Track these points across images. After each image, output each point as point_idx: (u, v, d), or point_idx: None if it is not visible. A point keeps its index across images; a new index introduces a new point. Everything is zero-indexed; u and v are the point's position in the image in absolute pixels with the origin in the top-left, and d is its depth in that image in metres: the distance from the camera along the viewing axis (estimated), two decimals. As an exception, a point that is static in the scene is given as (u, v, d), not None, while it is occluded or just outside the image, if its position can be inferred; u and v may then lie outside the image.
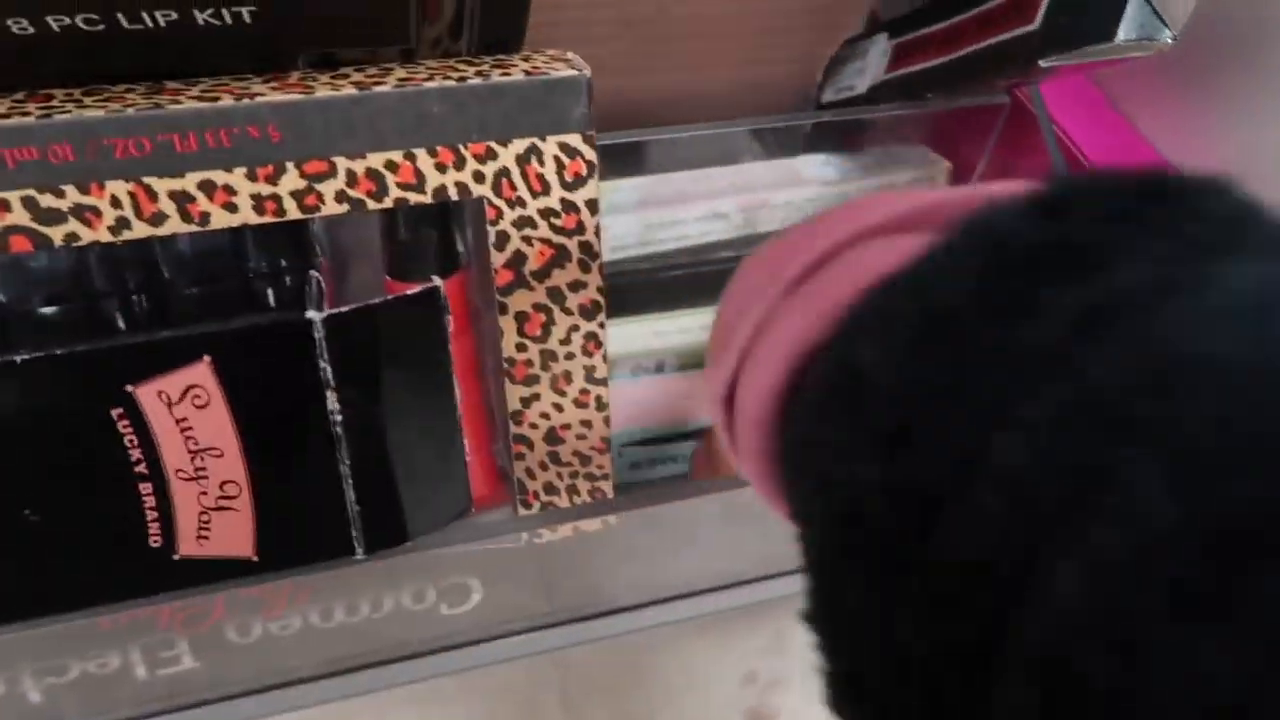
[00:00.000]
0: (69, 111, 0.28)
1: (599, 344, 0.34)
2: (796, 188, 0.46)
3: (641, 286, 0.45)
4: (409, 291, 0.29)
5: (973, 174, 0.48)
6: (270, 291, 0.31)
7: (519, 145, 0.30)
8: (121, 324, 0.30)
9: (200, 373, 0.27)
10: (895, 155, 0.49)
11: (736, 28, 0.43)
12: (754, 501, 0.42)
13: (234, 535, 0.29)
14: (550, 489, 0.36)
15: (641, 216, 0.45)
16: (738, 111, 0.48)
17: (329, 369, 0.28)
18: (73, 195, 0.28)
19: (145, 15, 0.27)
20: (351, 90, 0.28)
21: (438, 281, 0.30)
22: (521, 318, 0.32)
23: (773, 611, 0.70)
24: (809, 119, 0.47)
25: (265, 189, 0.29)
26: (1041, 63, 0.32)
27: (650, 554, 0.41)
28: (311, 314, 0.27)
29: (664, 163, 0.46)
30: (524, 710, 0.63)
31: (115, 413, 0.27)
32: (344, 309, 0.28)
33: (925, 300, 0.16)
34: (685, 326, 0.44)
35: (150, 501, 0.28)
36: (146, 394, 0.27)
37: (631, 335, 0.43)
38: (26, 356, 0.26)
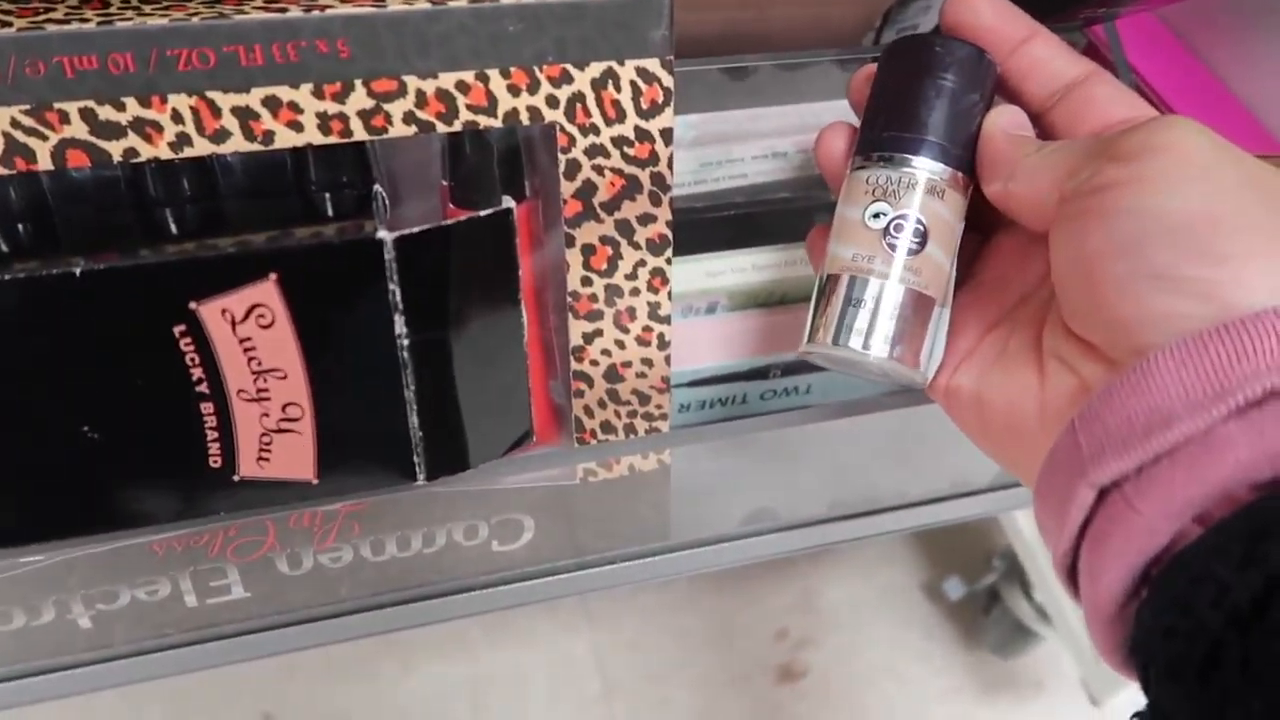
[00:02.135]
0: (129, 19, 0.27)
1: (665, 280, 0.33)
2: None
3: (695, 225, 0.43)
4: (481, 213, 0.28)
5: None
6: (329, 199, 0.30)
7: (596, 69, 0.29)
8: (175, 233, 0.29)
9: (266, 291, 0.26)
10: (957, 97, 0.48)
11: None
12: (807, 440, 0.41)
13: (295, 458, 0.28)
14: (607, 427, 0.35)
15: (697, 153, 0.44)
16: (798, 50, 0.47)
17: (398, 291, 0.27)
18: (133, 108, 0.27)
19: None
20: (425, 5, 0.27)
21: (510, 203, 0.29)
22: (588, 250, 0.32)
23: (800, 569, 0.71)
24: (875, 53, 0.45)
25: (332, 107, 0.28)
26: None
27: (706, 494, 0.40)
28: (382, 234, 0.26)
29: (721, 100, 0.45)
30: (553, 658, 0.64)
31: (177, 330, 0.26)
32: (415, 230, 0.27)
33: None
34: (739, 266, 0.43)
35: (211, 422, 0.27)
36: (210, 312, 0.26)
37: (683, 274, 0.42)
38: (86, 268, 0.25)
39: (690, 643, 0.69)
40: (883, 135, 0.28)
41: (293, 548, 0.34)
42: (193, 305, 0.26)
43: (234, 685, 0.62)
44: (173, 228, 0.29)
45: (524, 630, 0.65)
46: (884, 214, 0.27)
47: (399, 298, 0.27)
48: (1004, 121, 0.27)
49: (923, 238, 0.27)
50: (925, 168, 0.27)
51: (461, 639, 0.63)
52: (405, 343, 0.27)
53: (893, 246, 0.27)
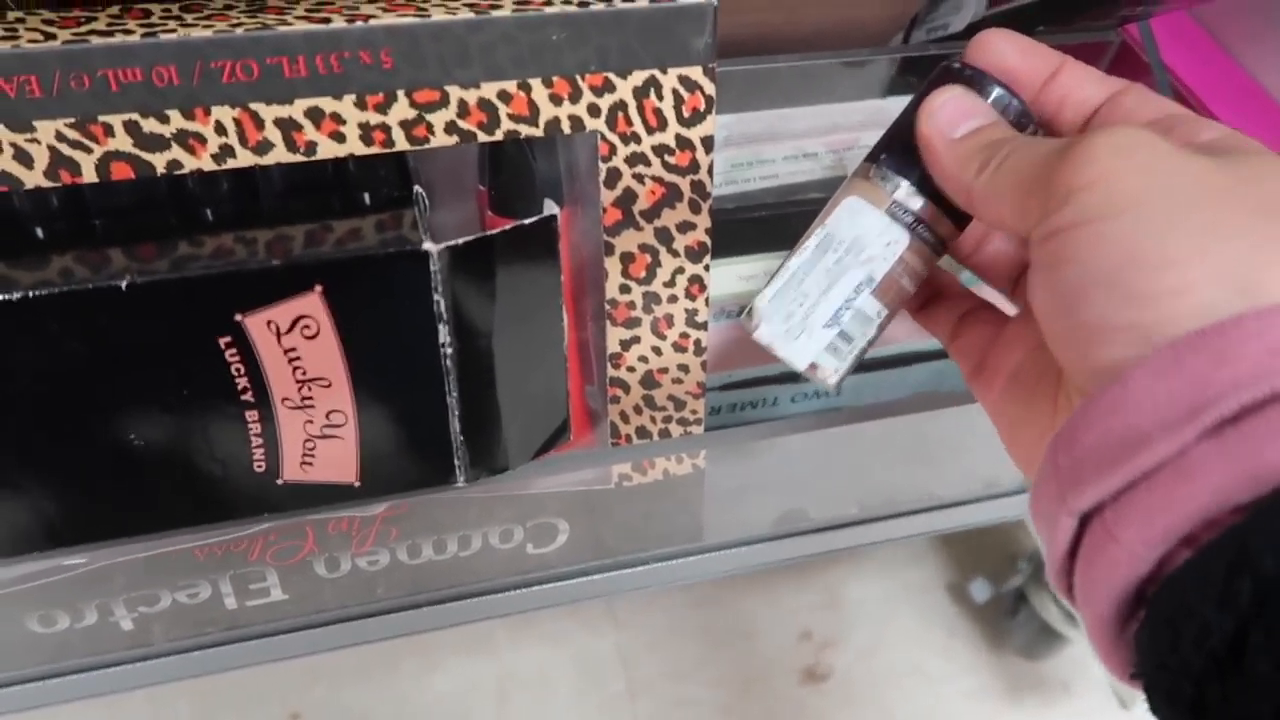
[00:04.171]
0: (173, 31, 0.27)
1: (703, 287, 0.33)
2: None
3: (725, 226, 0.43)
4: (525, 221, 0.28)
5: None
6: (368, 196, 0.30)
7: (638, 77, 0.29)
8: (212, 223, 0.29)
9: (311, 303, 0.26)
10: (989, 98, 0.47)
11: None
12: (837, 443, 0.41)
13: (337, 462, 0.29)
14: (642, 432, 0.35)
15: (727, 155, 0.44)
16: (828, 51, 0.47)
17: (443, 301, 0.27)
18: (177, 120, 0.27)
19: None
20: (468, 14, 0.27)
21: (555, 209, 0.29)
22: (627, 259, 0.31)
23: (824, 568, 0.70)
24: (904, 52, 0.45)
25: (374, 118, 0.28)
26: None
27: (738, 496, 0.40)
28: (428, 246, 0.26)
29: (751, 100, 0.45)
30: (577, 656, 0.64)
31: (222, 341, 0.26)
32: (461, 241, 0.27)
33: None
34: (771, 270, 0.43)
35: (256, 429, 0.28)
36: (255, 324, 0.26)
37: (717, 278, 0.42)
38: (131, 282, 0.25)
39: (714, 642, 0.69)
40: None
41: (331, 552, 0.35)
42: (238, 317, 0.26)
43: (262, 685, 0.62)
44: (210, 218, 0.29)
45: (549, 629, 0.65)
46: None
47: (444, 308, 0.27)
48: (941, 119, 0.25)
49: (823, 241, 0.28)
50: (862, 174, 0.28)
51: (487, 638, 0.63)
52: (449, 351, 0.27)
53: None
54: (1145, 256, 0.20)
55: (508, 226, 0.28)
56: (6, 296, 0.24)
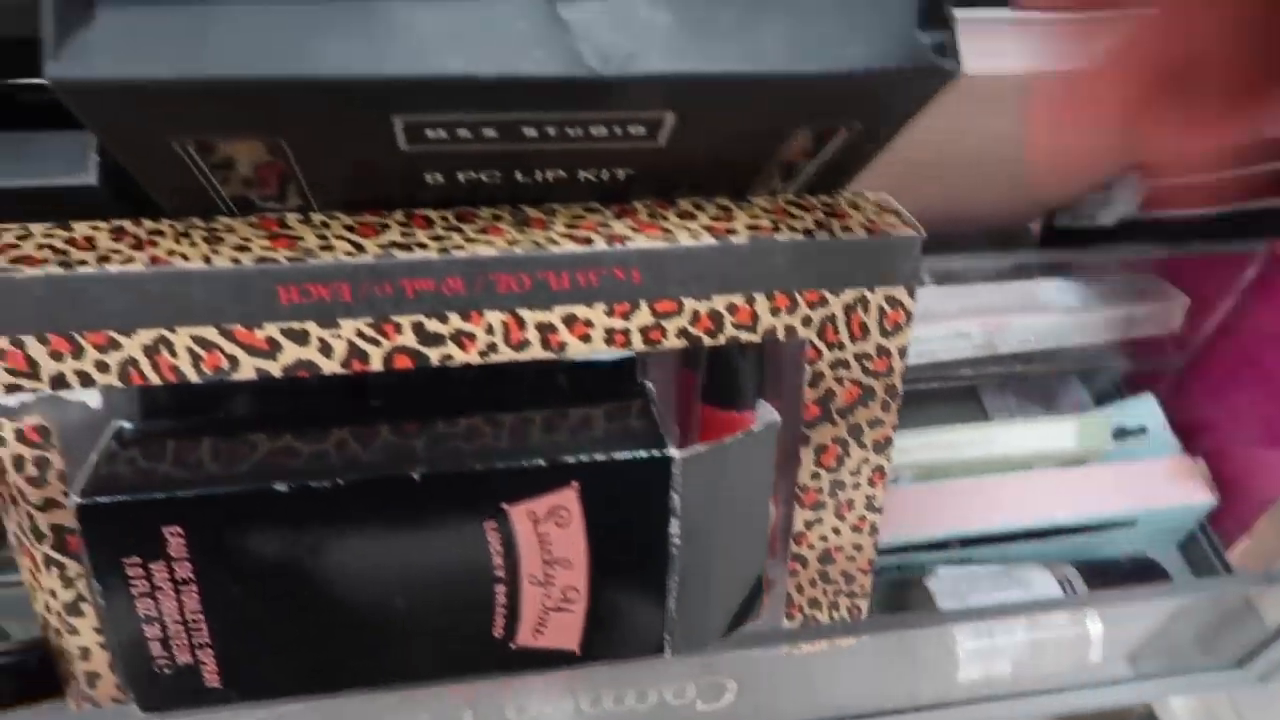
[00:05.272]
0: (460, 245, 0.31)
1: (883, 475, 0.36)
2: (1036, 313, 0.48)
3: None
4: (754, 428, 0.31)
5: (1212, 312, 0.49)
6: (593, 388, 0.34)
7: (849, 295, 0.32)
8: (470, 415, 0.33)
9: (568, 496, 0.29)
10: (1132, 285, 0.50)
11: (992, 170, 0.45)
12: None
13: (565, 632, 0.32)
14: (814, 604, 0.38)
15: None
16: (978, 238, 0.50)
17: (678, 499, 0.30)
18: (455, 322, 0.31)
19: (538, 172, 0.30)
20: (710, 240, 0.31)
21: (776, 417, 0.32)
22: (820, 450, 0.35)
23: None
24: (1061, 257, 0.48)
25: (618, 324, 0.31)
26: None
27: (891, 673, 0.42)
28: (673, 452, 0.29)
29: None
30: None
31: (488, 525, 0.30)
32: (701, 448, 0.30)
33: None
34: (928, 442, 0.45)
35: (501, 600, 0.31)
36: (518, 512, 0.30)
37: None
38: (424, 473, 0.29)
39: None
40: None
41: (522, 699, 0.37)
42: (505, 506, 0.29)
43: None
44: (463, 398, 0.33)
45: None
46: None
47: (678, 504, 0.30)
48: None
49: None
50: None
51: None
52: (677, 541, 0.31)
53: None
54: None
55: (740, 434, 0.31)
56: (319, 484, 0.28)
